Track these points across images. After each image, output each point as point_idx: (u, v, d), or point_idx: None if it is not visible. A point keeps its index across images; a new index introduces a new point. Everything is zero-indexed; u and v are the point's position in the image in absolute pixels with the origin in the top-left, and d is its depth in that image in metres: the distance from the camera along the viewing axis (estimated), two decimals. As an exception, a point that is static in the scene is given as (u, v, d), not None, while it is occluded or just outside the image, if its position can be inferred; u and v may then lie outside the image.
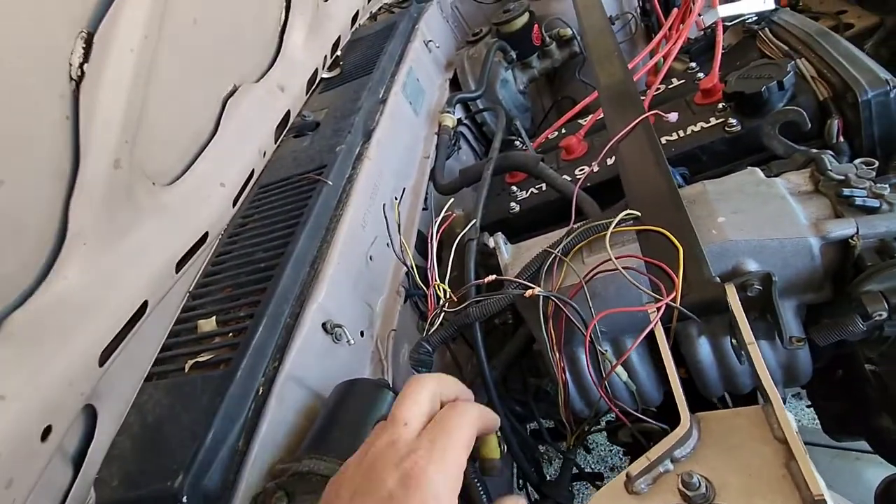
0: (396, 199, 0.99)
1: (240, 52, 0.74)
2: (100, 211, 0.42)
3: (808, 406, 1.12)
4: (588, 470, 1.94)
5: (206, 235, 0.59)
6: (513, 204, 1.08)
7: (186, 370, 0.65)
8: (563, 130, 1.24)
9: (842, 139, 0.79)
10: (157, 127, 0.53)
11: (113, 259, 0.44)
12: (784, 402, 0.73)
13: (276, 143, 0.81)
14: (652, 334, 0.58)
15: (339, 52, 1.26)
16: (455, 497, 0.36)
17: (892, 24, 1.36)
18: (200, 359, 0.66)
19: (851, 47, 0.85)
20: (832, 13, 1.48)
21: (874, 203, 0.56)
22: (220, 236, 0.77)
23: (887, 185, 0.58)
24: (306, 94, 0.95)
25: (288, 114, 0.84)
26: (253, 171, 0.72)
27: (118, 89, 0.41)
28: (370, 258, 0.87)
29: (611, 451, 1.92)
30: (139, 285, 0.47)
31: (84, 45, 0.38)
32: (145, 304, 0.47)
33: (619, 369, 0.65)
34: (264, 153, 0.75)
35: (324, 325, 0.72)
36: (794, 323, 0.64)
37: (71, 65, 0.38)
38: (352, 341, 0.71)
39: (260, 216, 0.92)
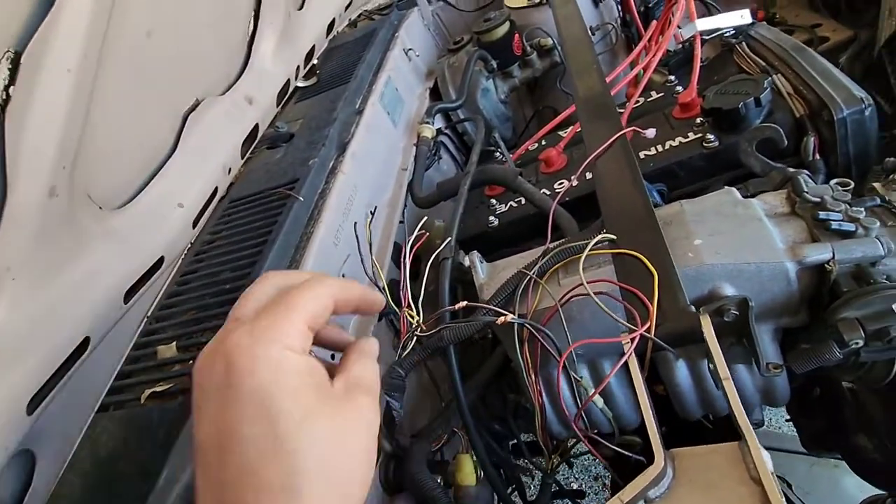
0: (371, 213, 0.96)
1: (203, 63, 0.71)
2: (32, 243, 0.39)
3: (788, 421, 1.12)
4: (571, 481, 1.93)
5: (161, 260, 0.55)
6: (492, 217, 1.06)
7: (143, 400, 0.62)
8: (543, 142, 1.23)
9: (818, 157, 0.79)
10: (104, 148, 0.49)
11: (49, 293, 0.41)
12: (762, 423, 0.72)
13: (243, 158, 0.78)
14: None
15: (314, 61, 1.23)
16: (293, 361, 0.32)
17: (866, 39, 1.38)
18: (158, 388, 0.62)
19: (827, 64, 0.85)
20: (807, 26, 1.50)
21: (850, 227, 0.56)
22: (183, 257, 0.74)
23: (862, 209, 0.57)
24: (277, 105, 0.92)
25: (256, 127, 0.81)
26: (216, 188, 0.68)
27: (52, 112, 0.38)
28: (342, 276, 0.84)
29: (594, 460, 1.91)
30: (80, 320, 0.43)
31: (10, 67, 0.35)
32: (87, 341, 0.44)
33: (596, 398, 0.64)
34: (229, 170, 0.72)
35: (291, 349, 0.68)
36: (771, 347, 0.63)
37: (-6, 88, 0.35)
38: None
39: (228, 233, 0.89)
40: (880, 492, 0.76)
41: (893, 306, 0.51)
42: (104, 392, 0.58)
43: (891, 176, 0.61)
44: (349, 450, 0.33)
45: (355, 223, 0.81)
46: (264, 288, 0.39)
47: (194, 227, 0.64)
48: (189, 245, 0.67)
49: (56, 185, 0.39)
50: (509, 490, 0.81)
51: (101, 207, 0.49)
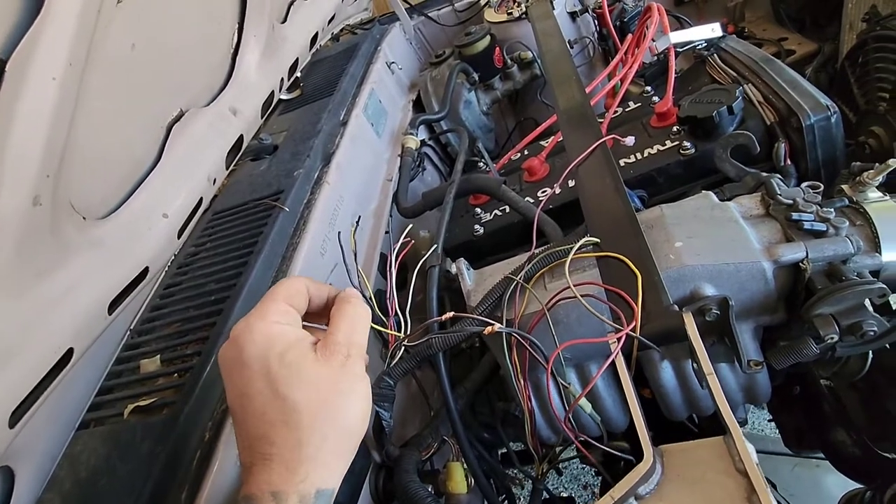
0: (356, 223, 0.96)
1: (187, 75, 0.71)
2: (14, 252, 0.38)
3: (770, 420, 1.14)
4: (560, 490, 1.92)
5: (146, 271, 0.55)
6: (477, 226, 1.07)
7: (125, 416, 0.60)
8: (526, 152, 1.25)
9: (789, 162, 0.82)
10: (89, 158, 0.49)
11: (31, 303, 0.40)
12: (746, 422, 0.74)
13: (227, 169, 0.78)
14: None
15: (298, 74, 1.24)
16: (283, 331, 0.42)
17: (829, 51, 1.45)
18: (142, 402, 0.61)
19: (794, 74, 0.88)
20: (775, 40, 1.57)
21: (821, 227, 0.58)
22: (167, 268, 0.73)
23: (832, 209, 0.60)
24: (262, 117, 0.92)
25: (241, 138, 0.81)
26: (201, 199, 0.68)
27: (36, 121, 0.38)
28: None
29: (583, 468, 1.91)
30: (63, 331, 0.42)
31: (-6, 74, 0.35)
32: (70, 352, 0.43)
33: (583, 401, 0.64)
34: (214, 180, 0.72)
35: (278, 360, 0.68)
36: (752, 345, 0.64)
37: (-22, 96, 0.34)
38: (308, 377, 0.68)
39: (213, 244, 0.87)
40: (860, 486, 0.78)
41: (865, 301, 0.53)
42: (86, 407, 0.56)
43: (858, 178, 0.63)
44: (340, 390, 0.42)
45: (339, 232, 0.81)
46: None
47: (179, 237, 0.63)
48: (174, 256, 0.66)
49: (39, 194, 0.39)
50: (500, 498, 0.81)
51: (84, 217, 0.48)
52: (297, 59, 1.04)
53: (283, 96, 1.32)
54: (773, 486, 1.07)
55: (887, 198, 0.62)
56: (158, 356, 0.67)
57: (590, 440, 0.55)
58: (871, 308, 0.53)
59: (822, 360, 0.60)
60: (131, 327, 0.64)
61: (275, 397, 0.40)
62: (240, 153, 0.80)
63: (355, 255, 0.82)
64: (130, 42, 0.54)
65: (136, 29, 0.55)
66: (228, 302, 0.71)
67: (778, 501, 1.00)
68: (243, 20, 0.84)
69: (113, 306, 0.49)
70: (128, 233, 0.53)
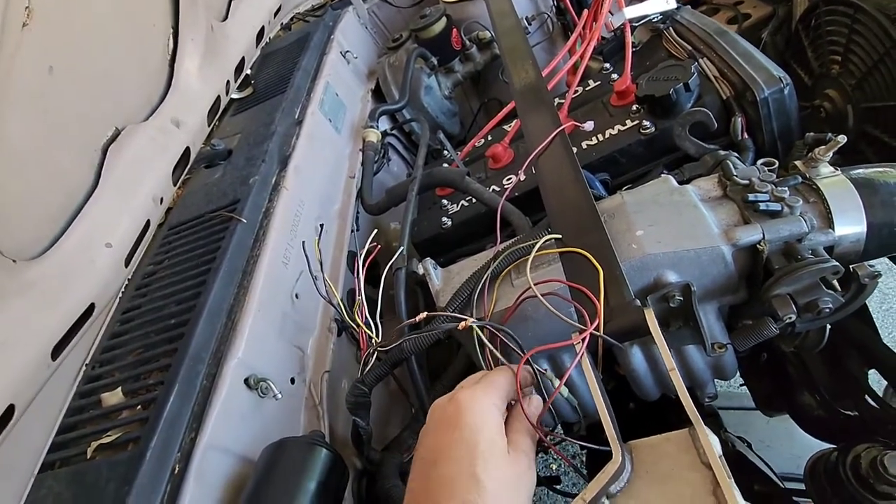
0: (321, 226, 0.94)
1: (119, 90, 0.67)
2: (-67, 313, 0.35)
3: (742, 385, 1.18)
4: (550, 462, 1.97)
5: (91, 307, 0.52)
6: (444, 219, 1.06)
7: (89, 455, 0.58)
8: (490, 138, 1.23)
9: (746, 136, 0.82)
10: (11, 196, 0.46)
11: (-40, 364, 0.38)
12: (716, 396, 0.75)
13: (175, 185, 0.74)
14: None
15: (247, 72, 1.18)
16: (496, 417, 0.46)
17: (784, 14, 1.45)
18: (105, 440, 0.59)
19: (748, 45, 0.88)
20: (731, 4, 1.56)
21: (776, 207, 0.58)
22: (122, 293, 0.70)
23: (786, 188, 0.60)
24: (209, 125, 0.88)
25: (188, 151, 0.77)
26: (148, 222, 0.65)
27: (-62, 170, 0.35)
28: (296, 296, 0.82)
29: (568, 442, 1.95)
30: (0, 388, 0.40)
31: None
32: (11, 409, 0.41)
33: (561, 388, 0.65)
34: (161, 200, 0.69)
35: (246, 381, 0.66)
36: (717, 325, 0.66)
37: None
38: (279, 396, 0.66)
39: (170, 262, 0.84)
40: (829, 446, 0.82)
41: (819, 279, 0.54)
42: (44, 451, 0.54)
43: (810, 154, 0.64)
44: (517, 490, 0.44)
45: (303, 242, 0.79)
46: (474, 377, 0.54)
47: (127, 265, 0.60)
48: (124, 285, 0.63)
49: (-46, 247, 0.36)
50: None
51: (14, 260, 0.45)
52: (243, 58, 0.99)
53: (234, 95, 1.26)
54: (749, 445, 1.12)
55: (838, 172, 0.62)
56: (120, 388, 0.65)
57: (565, 437, 0.55)
58: (824, 286, 0.54)
59: (783, 335, 0.61)
60: (87, 361, 0.61)
61: (470, 473, 0.42)
62: (188, 166, 0.77)
63: (321, 263, 0.80)
64: (46, 65, 0.50)
65: (52, 50, 0.51)
66: (189, 325, 0.68)
67: (752, 462, 1.04)
68: (178, 24, 0.79)
69: (57, 351, 0.47)
70: (66, 270, 0.50)
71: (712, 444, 0.42)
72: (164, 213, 0.91)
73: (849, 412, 0.84)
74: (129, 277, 0.73)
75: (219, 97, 0.89)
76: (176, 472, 0.56)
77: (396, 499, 0.70)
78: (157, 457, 0.55)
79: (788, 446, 1.66)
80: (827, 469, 0.69)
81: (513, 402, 0.52)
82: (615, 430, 0.47)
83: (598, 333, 0.52)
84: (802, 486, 0.90)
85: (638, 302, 0.54)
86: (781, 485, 0.97)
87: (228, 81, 0.94)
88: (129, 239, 0.60)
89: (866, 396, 0.84)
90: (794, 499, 0.89)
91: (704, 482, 0.41)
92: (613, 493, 0.45)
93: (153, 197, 0.65)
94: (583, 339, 0.51)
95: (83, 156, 0.58)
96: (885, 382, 0.90)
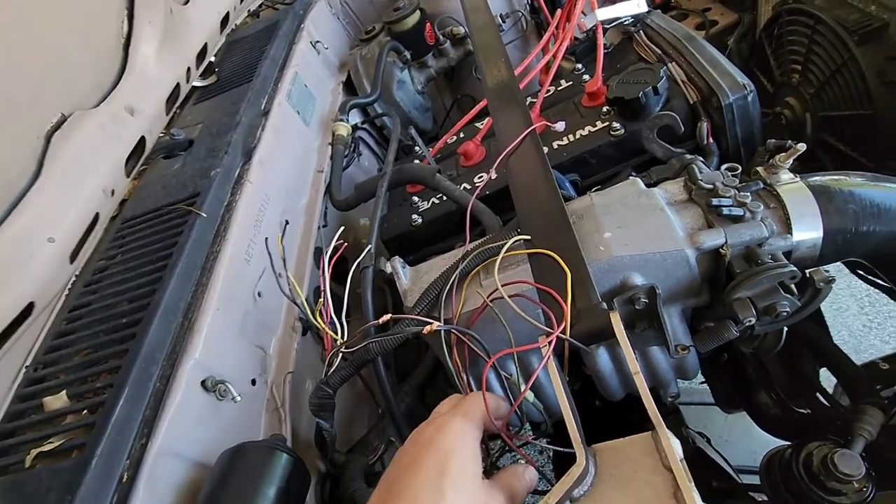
0: (286, 223, 0.91)
1: (66, 74, 0.62)
2: None
3: (703, 382, 1.22)
4: (518, 458, 1.99)
5: (31, 306, 0.49)
6: (415, 216, 1.04)
7: (28, 463, 0.54)
8: (462, 135, 1.22)
9: (711, 140, 0.84)
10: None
11: None
12: (678, 395, 0.77)
13: (129, 177, 0.70)
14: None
15: (211, 59, 1.13)
16: (472, 442, 0.46)
17: (749, 22, 1.49)
18: (46, 447, 0.55)
19: (714, 52, 0.90)
20: (699, 10, 1.59)
21: (739, 212, 0.60)
22: (69, 291, 0.66)
23: (748, 194, 0.61)
24: (168, 114, 0.84)
25: (143, 141, 0.73)
26: (97, 215, 0.61)
27: None
28: (258, 294, 0.79)
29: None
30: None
31: None
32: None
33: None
34: (112, 192, 0.65)
35: (203, 383, 0.63)
36: (681, 327, 0.67)
37: None
38: (238, 398, 0.64)
39: (123, 257, 0.80)
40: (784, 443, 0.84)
41: (778, 284, 0.55)
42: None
43: (771, 161, 0.65)
44: None
45: (266, 238, 0.76)
46: (453, 399, 0.55)
47: (73, 261, 0.56)
48: (70, 282, 0.59)
49: None
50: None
51: (-60, 257, 0.42)
52: (205, 45, 0.95)
53: (197, 83, 1.21)
54: (708, 440, 1.15)
55: (797, 179, 0.64)
56: (65, 391, 0.61)
57: (530, 440, 0.55)
58: (783, 290, 0.55)
59: (743, 337, 0.63)
60: (28, 363, 0.57)
61: (436, 488, 0.42)
62: (143, 157, 0.73)
63: (284, 260, 0.77)
64: (-20, 46, 0.46)
65: (-14, 29, 0.47)
66: (142, 324, 0.65)
67: (711, 458, 1.07)
68: (133, 4, 0.74)
69: (-9, 354, 0.43)
70: (2, 266, 0.46)
71: (674, 447, 0.42)
72: (118, 206, 0.86)
73: (802, 410, 0.87)
74: (77, 274, 0.69)
75: (178, 85, 0.85)
76: (124, 479, 0.53)
77: (360, 501, 0.69)
78: (103, 464, 0.52)
79: (746, 441, 1.73)
80: (781, 465, 0.71)
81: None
82: (580, 434, 0.46)
83: (564, 337, 0.52)
84: (759, 480, 0.93)
85: (605, 305, 0.54)
86: (739, 479, 1.00)
87: (189, 68, 0.90)
88: (74, 233, 0.56)
89: (818, 394, 0.87)
90: (750, 494, 0.92)
91: (666, 485, 0.42)
92: (577, 497, 0.44)
93: (103, 189, 0.62)
94: (549, 343, 0.51)
95: (24, 144, 0.54)
96: (835, 381, 0.94)
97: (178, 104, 0.84)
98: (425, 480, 0.43)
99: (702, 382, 1.22)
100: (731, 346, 0.92)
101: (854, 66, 0.98)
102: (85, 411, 0.58)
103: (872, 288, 1.01)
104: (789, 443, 0.77)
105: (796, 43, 1.14)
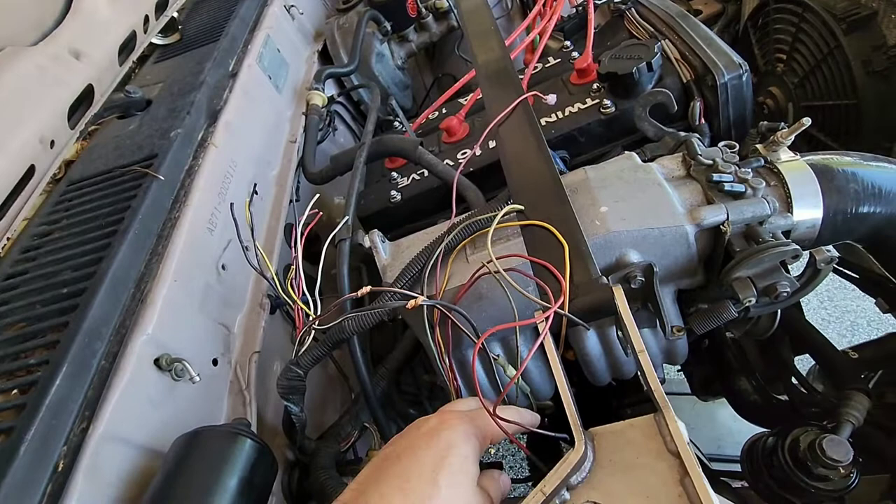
0: (253, 192, 0.84)
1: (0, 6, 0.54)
2: None
3: (679, 371, 1.22)
4: (490, 449, 1.98)
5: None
6: (393, 192, 0.99)
7: (-54, 450, 0.47)
8: (444, 110, 1.17)
9: (703, 121, 0.82)
10: None
11: None
12: (664, 380, 0.75)
13: (73, 128, 0.62)
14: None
15: (174, 15, 1.04)
16: (474, 446, 0.44)
17: (732, 12, 1.49)
18: (-33, 431, 0.48)
19: (708, 31, 0.87)
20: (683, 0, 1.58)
21: (740, 188, 0.57)
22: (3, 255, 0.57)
23: (749, 170, 0.59)
24: (121, 64, 0.75)
25: (90, 89, 0.65)
26: (32, 167, 0.53)
27: None
28: (222, 267, 0.72)
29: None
30: None
31: None
32: None
33: (511, 373, 0.61)
34: (52, 142, 0.57)
35: (157, 361, 0.57)
36: (673, 308, 0.64)
37: None
38: (197, 379, 0.58)
39: (69, 222, 0.71)
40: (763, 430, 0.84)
41: (779, 263, 0.53)
42: None
43: (771, 138, 0.63)
44: None
45: (232, 204, 0.69)
46: (468, 403, 0.52)
47: (1, 217, 0.49)
48: (5, 240, 0.51)
49: None
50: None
51: None
52: (167, -6, 0.86)
53: (158, 41, 1.11)
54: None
55: (798, 157, 0.62)
56: (-8, 368, 0.53)
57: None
58: (783, 270, 0.53)
59: (737, 320, 0.61)
60: (-53, 336, 0.49)
61: (431, 479, 0.40)
62: (91, 109, 0.64)
63: (252, 229, 0.70)
64: None
65: None
66: (86, 295, 0.57)
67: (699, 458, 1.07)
68: (82, -65, 0.66)
69: None
70: None
71: (681, 430, 0.39)
72: (63, 166, 0.77)
73: (780, 396, 0.87)
74: (11, 237, 0.61)
75: (134, 33, 0.77)
76: (60, 468, 0.46)
77: (330, 491, 0.64)
78: (34, 450, 0.45)
79: (710, 429, 1.77)
80: (764, 451, 0.70)
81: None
82: (578, 416, 0.43)
83: (563, 312, 0.48)
84: (724, 467, 0.93)
85: (605, 279, 0.50)
86: (709, 466, 1.00)
87: (147, 17, 0.81)
88: (4, 186, 0.48)
89: (793, 379, 0.87)
90: (723, 479, 0.92)
91: (672, 471, 0.39)
92: (574, 485, 0.41)
93: (40, 137, 0.54)
94: (546, 318, 0.47)
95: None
96: (808, 367, 0.94)
97: (133, 55, 0.76)
98: (421, 467, 0.41)
99: (679, 370, 1.22)
100: (715, 332, 0.92)
101: (840, 54, 0.98)
102: (15, 391, 0.51)
103: (832, 283, 1.02)
104: (765, 430, 0.77)
105: (783, 31, 1.13)
